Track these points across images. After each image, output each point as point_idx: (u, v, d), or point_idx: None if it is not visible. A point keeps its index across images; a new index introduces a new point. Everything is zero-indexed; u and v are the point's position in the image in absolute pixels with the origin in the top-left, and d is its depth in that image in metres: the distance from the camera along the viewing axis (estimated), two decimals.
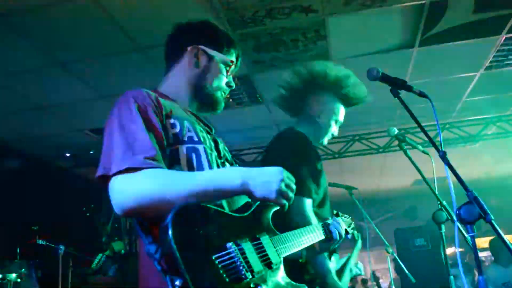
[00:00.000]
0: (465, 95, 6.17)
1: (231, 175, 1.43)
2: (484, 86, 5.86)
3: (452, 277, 2.70)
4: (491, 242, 5.49)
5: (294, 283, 1.55)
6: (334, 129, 2.64)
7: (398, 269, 5.98)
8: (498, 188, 9.98)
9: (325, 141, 2.66)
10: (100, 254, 6.51)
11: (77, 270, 5.92)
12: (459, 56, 5.04)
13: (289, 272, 1.55)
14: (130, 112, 1.45)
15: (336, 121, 2.63)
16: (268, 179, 1.44)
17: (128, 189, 1.33)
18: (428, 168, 2.68)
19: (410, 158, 2.83)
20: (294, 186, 1.50)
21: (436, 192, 2.70)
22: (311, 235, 1.85)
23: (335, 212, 2.32)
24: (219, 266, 1.24)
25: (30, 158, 7.18)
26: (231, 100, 5.78)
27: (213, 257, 1.24)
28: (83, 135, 6.58)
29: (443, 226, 2.72)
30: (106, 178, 1.37)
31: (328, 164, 6.67)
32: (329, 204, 2.53)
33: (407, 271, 4.37)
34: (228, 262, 1.27)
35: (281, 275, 1.51)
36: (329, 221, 2.03)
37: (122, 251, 7.31)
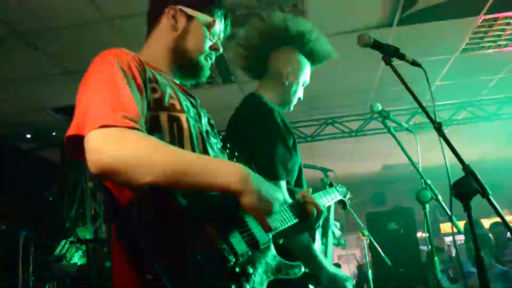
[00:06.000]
0: (438, 79, 6.16)
1: (230, 167, 1.26)
2: (457, 70, 5.85)
3: (436, 258, 2.62)
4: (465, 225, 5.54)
5: (288, 262, 1.41)
6: (300, 93, 2.30)
7: (372, 252, 6.00)
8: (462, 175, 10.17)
9: (292, 106, 2.31)
10: (64, 240, 6.26)
11: (38, 257, 5.65)
12: (436, 38, 4.98)
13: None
14: (111, 68, 1.28)
15: (304, 82, 2.30)
16: (271, 194, 1.28)
17: (105, 145, 1.14)
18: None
19: (393, 135, 2.77)
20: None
21: (420, 171, 2.64)
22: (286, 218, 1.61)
23: (329, 182, 2.19)
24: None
25: None
26: None
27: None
28: (45, 115, 6.22)
29: (427, 206, 2.65)
30: (78, 140, 1.18)
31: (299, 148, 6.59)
32: (304, 180, 2.21)
33: (382, 254, 4.36)
34: None
35: (271, 255, 1.38)
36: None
37: (87, 236, 7.07)
